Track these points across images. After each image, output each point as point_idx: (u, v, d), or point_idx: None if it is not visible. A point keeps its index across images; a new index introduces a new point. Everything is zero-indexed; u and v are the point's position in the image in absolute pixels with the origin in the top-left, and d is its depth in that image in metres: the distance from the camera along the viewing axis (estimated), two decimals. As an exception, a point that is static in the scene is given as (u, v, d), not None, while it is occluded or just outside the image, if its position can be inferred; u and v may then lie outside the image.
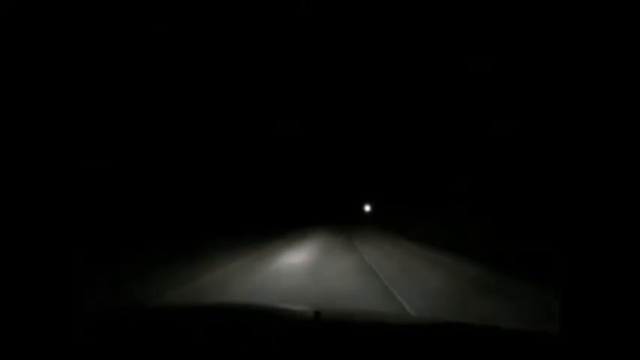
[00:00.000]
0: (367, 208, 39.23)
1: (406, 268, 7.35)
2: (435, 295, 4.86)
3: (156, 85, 12.55)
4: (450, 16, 10.52)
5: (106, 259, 7.16)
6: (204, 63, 14.84)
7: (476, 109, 10.59)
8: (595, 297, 1.41)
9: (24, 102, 1.51)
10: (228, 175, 20.32)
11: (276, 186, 29.89)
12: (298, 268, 7.09)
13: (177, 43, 12.28)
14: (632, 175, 1.16)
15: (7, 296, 1.16)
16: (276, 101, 21.56)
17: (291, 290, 5.06)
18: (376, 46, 15.79)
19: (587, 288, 1.45)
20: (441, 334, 1.14)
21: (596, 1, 1.27)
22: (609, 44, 1.23)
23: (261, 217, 22.53)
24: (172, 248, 9.77)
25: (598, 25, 1.24)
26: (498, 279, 6.08)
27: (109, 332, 1.04)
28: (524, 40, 7.69)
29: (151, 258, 8.13)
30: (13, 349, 0.89)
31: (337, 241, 14.40)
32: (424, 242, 12.59)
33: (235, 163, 21.13)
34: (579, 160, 1.43)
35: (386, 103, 20.42)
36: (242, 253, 9.44)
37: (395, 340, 1.09)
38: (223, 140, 19.01)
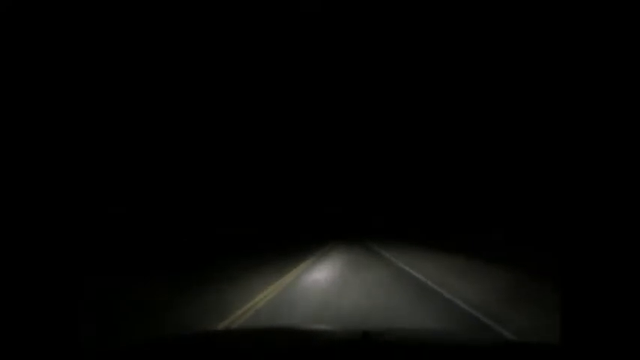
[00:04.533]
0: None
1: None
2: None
3: (157, 87, 12.53)
4: (450, 17, 10.49)
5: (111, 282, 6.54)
6: (205, 64, 14.79)
7: (476, 108, 10.56)
8: (595, 303, 1.40)
9: (25, 102, 1.51)
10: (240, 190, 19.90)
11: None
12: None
13: (177, 43, 12.25)
14: (631, 175, 1.16)
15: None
16: (278, 102, 21.46)
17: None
18: (377, 48, 15.75)
19: (588, 294, 1.44)
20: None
21: (596, 1, 1.27)
22: (609, 44, 1.22)
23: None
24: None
25: (597, 26, 1.24)
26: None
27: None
28: (524, 41, 7.66)
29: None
30: None
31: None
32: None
33: (246, 171, 20.88)
34: (580, 159, 1.42)
35: (385, 104, 20.35)
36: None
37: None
38: (230, 148, 18.83)
